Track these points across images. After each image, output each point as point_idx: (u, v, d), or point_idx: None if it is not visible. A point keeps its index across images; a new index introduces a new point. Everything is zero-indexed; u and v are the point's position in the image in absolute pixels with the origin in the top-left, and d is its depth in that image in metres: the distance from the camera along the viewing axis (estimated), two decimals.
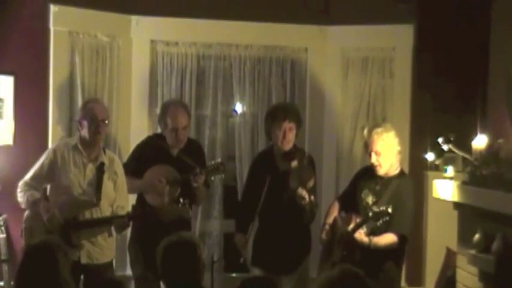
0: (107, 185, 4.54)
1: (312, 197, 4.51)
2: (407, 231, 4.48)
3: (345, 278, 2.81)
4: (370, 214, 4.31)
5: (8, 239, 5.03)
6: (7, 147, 5.15)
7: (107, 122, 4.59)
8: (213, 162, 4.83)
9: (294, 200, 4.54)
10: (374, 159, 4.52)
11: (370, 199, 4.56)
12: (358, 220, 4.41)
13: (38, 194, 4.47)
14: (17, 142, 5.17)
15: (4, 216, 5.02)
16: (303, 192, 4.49)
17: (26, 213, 4.50)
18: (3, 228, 5.01)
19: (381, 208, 4.28)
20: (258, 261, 4.84)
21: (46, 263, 3.38)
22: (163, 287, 3.50)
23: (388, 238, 4.38)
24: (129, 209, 4.64)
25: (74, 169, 4.51)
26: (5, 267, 4.95)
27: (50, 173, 4.51)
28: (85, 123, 4.50)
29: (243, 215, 4.81)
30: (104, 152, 4.62)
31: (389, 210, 4.25)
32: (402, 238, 4.43)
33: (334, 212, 4.70)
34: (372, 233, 4.39)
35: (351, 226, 4.40)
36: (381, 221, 4.30)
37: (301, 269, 4.73)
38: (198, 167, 4.68)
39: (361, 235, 4.34)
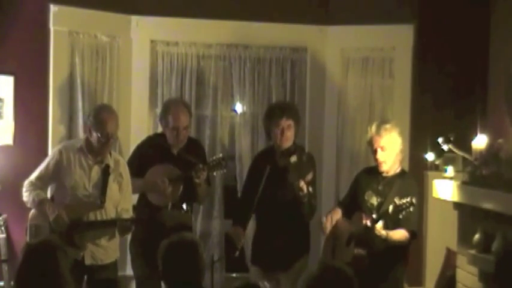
0: (112, 187, 4.51)
1: (311, 189, 4.53)
2: (416, 228, 4.54)
3: (326, 273, 2.81)
4: (391, 207, 4.29)
5: (8, 239, 5.03)
6: (7, 147, 5.14)
7: (117, 137, 4.60)
8: (214, 157, 4.83)
9: (292, 195, 4.56)
10: (380, 154, 4.52)
11: (374, 200, 4.57)
12: (374, 216, 4.40)
13: (43, 193, 4.47)
14: (17, 142, 5.16)
15: (4, 216, 5.02)
16: (301, 182, 4.51)
17: (32, 211, 4.49)
18: (3, 228, 5.00)
19: (404, 200, 4.27)
20: (256, 259, 4.85)
21: (46, 262, 3.37)
22: (164, 287, 3.50)
23: (401, 233, 4.42)
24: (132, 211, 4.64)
25: (79, 170, 4.48)
26: (5, 267, 4.95)
27: (56, 173, 4.49)
28: (95, 134, 4.44)
29: (241, 209, 4.83)
30: (110, 154, 4.57)
31: (414, 200, 4.25)
32: (412, 234, 4.48)
33: (337, 216, 4.69)
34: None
35: (367, 221, 4.37)
36: (403, 213, 4.29)
37: (299, 265, 4.71)
38: (200, 163, 4.69)
39: (380, 228, 4.35)
